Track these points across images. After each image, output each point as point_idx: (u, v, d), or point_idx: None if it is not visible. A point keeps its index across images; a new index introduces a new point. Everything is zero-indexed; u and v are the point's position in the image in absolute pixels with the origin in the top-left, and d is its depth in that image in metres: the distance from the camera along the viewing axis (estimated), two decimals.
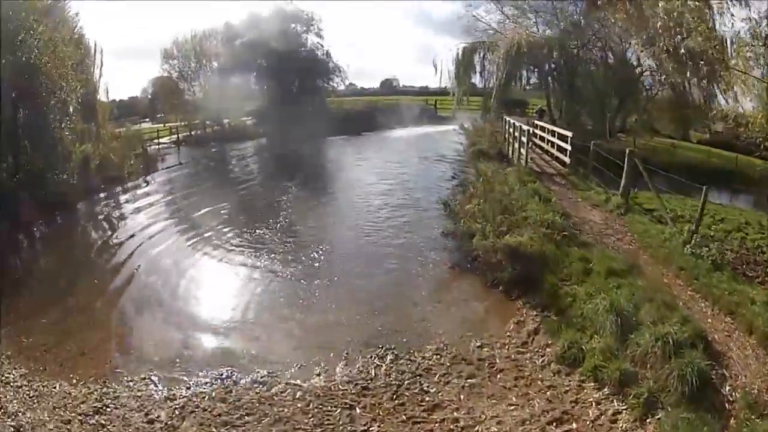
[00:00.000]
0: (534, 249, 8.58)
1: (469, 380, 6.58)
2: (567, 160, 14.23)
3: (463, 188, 14.95)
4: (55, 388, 6.49)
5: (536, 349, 7.06)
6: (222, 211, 14.83)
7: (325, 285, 9.57)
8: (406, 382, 6.58)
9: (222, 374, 6.81)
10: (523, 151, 15.39)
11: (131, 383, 6.62)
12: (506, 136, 19.86)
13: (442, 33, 70.49)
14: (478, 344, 7.32)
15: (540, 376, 6.53)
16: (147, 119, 35.51)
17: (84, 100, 18.61)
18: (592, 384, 6.10)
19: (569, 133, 14.13)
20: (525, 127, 15.31)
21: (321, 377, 6.73)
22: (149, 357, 7.29)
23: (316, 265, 10.64)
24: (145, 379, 6.73)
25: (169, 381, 6.69)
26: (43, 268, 10.95)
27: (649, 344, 5.92)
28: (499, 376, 6.65)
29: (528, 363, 6.84)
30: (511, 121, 18.47)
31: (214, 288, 9.80)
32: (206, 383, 6.65)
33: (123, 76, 50.98)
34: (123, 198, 17.39)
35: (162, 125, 31.83)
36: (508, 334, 7.56)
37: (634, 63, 23.35)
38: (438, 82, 31.18)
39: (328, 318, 8.38)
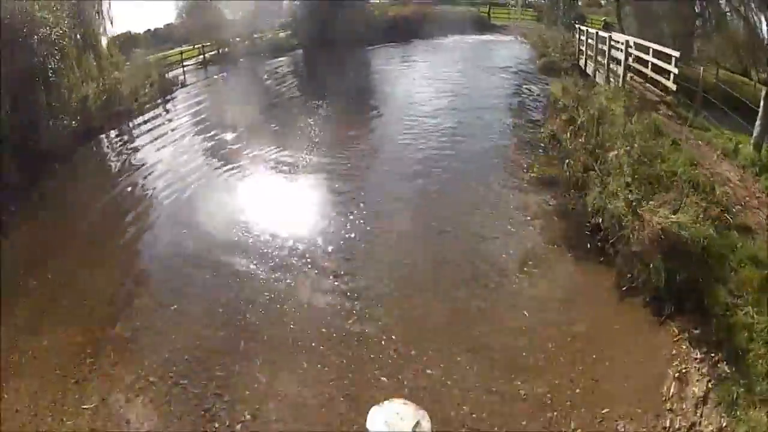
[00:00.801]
0: (694, 236, 5.91)
1: None
2: (672, 85, 10.96)
3: (544, 112, 13.12)
4: None
5: None
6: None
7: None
8: None
9: None
10: (617, 68, 12.43)
11: None
12: (583, 48, 16.57)
13: None
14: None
15: None
16: (184, 45, 32.81)
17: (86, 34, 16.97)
18: None
19: (675, 53, 10.75)
20: (622, 38, 12.18)
21: None
22: None
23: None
24: None
25: None
26: None
27: None
28: None
29: None
30: (593, 30, 15.10)
31: None
32: None
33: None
34: (121, 139, 15.73)
35: (192, 47, 28.91)
36: (665, 398, 4.85)
37: None
38: None
39: None
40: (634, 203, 6.58)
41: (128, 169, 12.94)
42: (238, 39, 30.58)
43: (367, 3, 30.86)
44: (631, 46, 11.89)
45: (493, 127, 12.75)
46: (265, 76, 23.71)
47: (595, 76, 14.43)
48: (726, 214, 6.48)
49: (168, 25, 33.40)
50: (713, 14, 18.33)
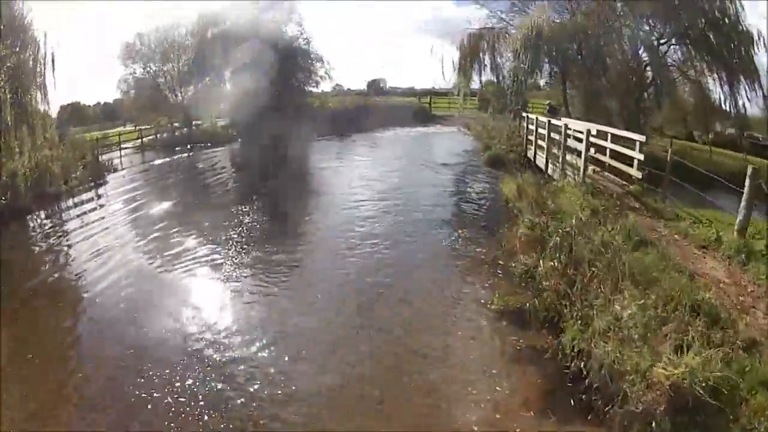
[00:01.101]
0: (706, 380, 4.68)
1: None
2: (638, 173, 10.28)
3: (496, 218, 11.76)
4: None
5: None
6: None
7: None
8: None
9: None
10: (575, 161, 11.70)
11: None
12: (532, 138, 16.36)
13: (424, 33, 67.07)
14: None
15: None
16: (127, 123, 31.70)
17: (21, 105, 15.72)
18: None
19: (640, 137, 10.23)
20: (578, 126, 11.88)
21: None
22: None
23: None
24: None
25: None
26: None
27: None
28: None
29: None
30: (543, 119, 14.99)
31: None
32: None
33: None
34: (50, 223, 14.07)
35: (134, 127, 28.76)
36: None
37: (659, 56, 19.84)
38: (439, 78, 26.94)
39: None
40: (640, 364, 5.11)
41: (49, 257, 11.09)
42: (176, 125, 30.16)
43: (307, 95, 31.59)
44: (593, 135, 11.28)
45: (439, 242, 10.78)
46: (200, 168, 22.74)
47: (546, 170, 13.84)
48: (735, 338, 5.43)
49: (118, 100, 32.90)
50: (663, 82, 19.12)
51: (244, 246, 10.94)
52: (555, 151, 13.23)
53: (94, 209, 15.19)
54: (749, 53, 17.30)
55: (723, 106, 18.11)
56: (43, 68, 16.85)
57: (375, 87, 41.32)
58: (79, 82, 36.32)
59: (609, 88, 19.69)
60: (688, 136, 22.41)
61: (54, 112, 20.25)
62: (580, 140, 11.54)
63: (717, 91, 18.40)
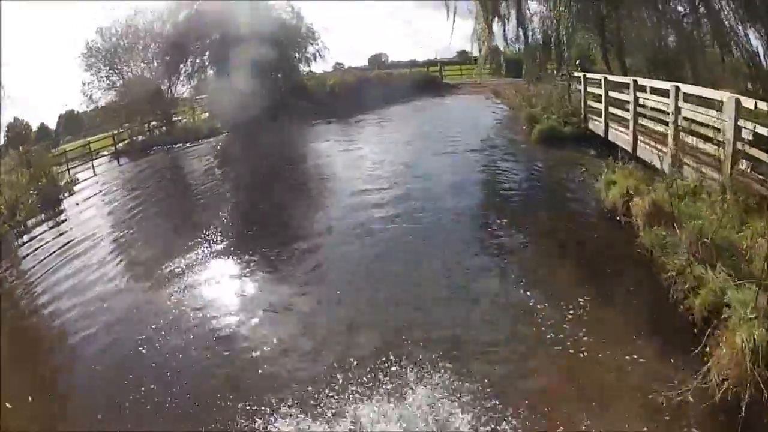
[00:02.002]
0: None
1: None
2: None
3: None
4: None
5: None
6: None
7: None
8: None
9: None
10: (706, 146, 7.00)
11: None
12: (597, 106, 11.99)
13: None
14: None
15: None
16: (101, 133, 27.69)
17: None
18: None
19: None
20: (711, 93, 7.37)
21: None
22: None
23: None
24: None
25: None
26: None
27: None
28: None
29: None
30: (621, 80, 10.84)
31: None
32: None
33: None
34: None
35: (111, 134, 24.49)
36: None
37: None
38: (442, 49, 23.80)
39: None
40: None
41: None
42: (154, 124, 26.43)
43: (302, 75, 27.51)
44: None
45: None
46: (181, 167, 19.10)
47: (635, 151, 9.34)
48: None
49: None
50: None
51: None
52: (652, 125, 9.13)
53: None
54: None
55: None
56: None
57: (377, 62, 37.49)
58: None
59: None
60: None
61: None
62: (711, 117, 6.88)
63: None
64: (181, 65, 25.96)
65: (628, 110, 9.86)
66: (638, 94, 9.48)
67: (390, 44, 74.98)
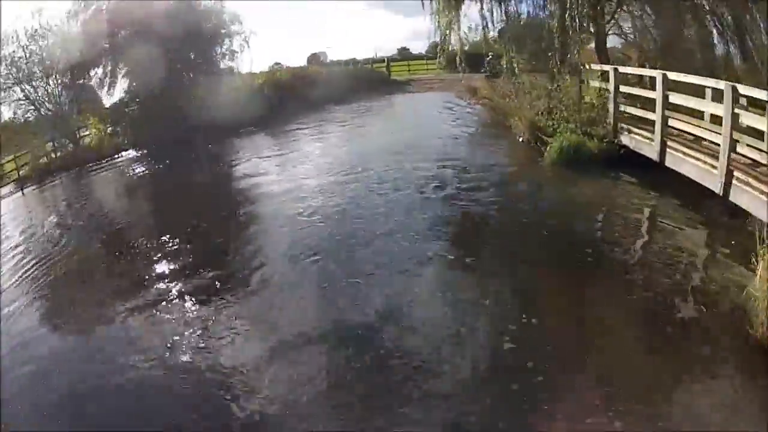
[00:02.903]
0: None
1: None
2: None
3: None
4: None
5: None
6: None
7: None
8: None
9: None
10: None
11: None
12: (637, 113, 8.65)
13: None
14: None
15: None
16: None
17: None
18: None
19: None
20: None
21: None
22: None
23: None
24: None
25: None
26: None
27: None
28: None
29: None
30: (675, 77, 7.50)
31: None
32: None
33: None
34: None
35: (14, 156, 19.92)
36: None
37: None
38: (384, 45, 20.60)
39: None
40: None
41: None
42: (56, 143, 21.19)
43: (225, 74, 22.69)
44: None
45: None
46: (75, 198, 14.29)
47: (727, 194, 6.11)
48: None
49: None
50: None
51: None
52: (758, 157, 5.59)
53: None
54: None
55: None
56: None
57: (315, 61, 34.53)
58: None
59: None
60: None
61: None
62: None
63: None
64: (92, 71, 21.77)
65: (706, 128, 6.46)
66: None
67: (329, 44, 73.02)
